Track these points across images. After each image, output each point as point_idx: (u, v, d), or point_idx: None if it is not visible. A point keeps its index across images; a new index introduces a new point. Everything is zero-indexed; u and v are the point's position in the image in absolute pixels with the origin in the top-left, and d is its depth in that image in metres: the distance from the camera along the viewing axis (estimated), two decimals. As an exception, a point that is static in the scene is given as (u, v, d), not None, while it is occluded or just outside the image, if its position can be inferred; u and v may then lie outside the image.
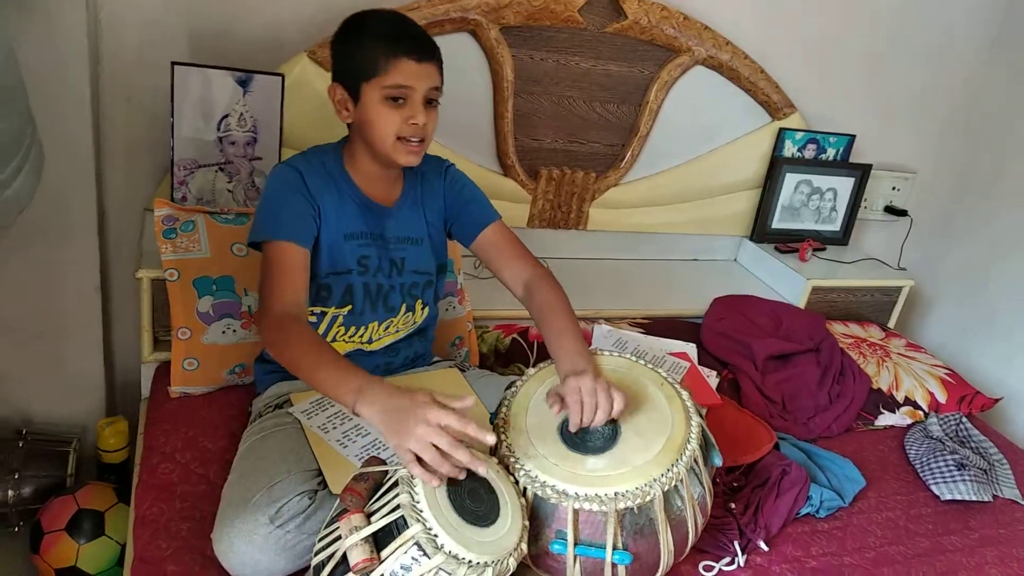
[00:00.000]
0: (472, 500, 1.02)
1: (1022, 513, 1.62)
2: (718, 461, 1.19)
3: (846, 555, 1.41)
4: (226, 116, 1.73)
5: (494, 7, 1.83)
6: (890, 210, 2.63)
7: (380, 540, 0.98)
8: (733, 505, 1.42)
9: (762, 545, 1.37)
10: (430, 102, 1.28)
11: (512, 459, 1.12)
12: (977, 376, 2.34)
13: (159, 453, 1.38)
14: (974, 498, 1.59)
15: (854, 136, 2.42)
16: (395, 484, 1.01)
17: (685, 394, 1.21)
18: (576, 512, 1.07)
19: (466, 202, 1.46)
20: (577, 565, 1.09)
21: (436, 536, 0.95)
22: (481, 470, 1.00)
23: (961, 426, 1.86)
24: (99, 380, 1.91)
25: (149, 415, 1.51)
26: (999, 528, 1.55)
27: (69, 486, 1.78)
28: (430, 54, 1.25)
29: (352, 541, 0.97)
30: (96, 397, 1.92)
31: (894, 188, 2.61)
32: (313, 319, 1.38)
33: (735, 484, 1.49)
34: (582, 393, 1.14)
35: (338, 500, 1.04)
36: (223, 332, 1.52)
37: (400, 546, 0.95)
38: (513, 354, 1.78)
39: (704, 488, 1.17)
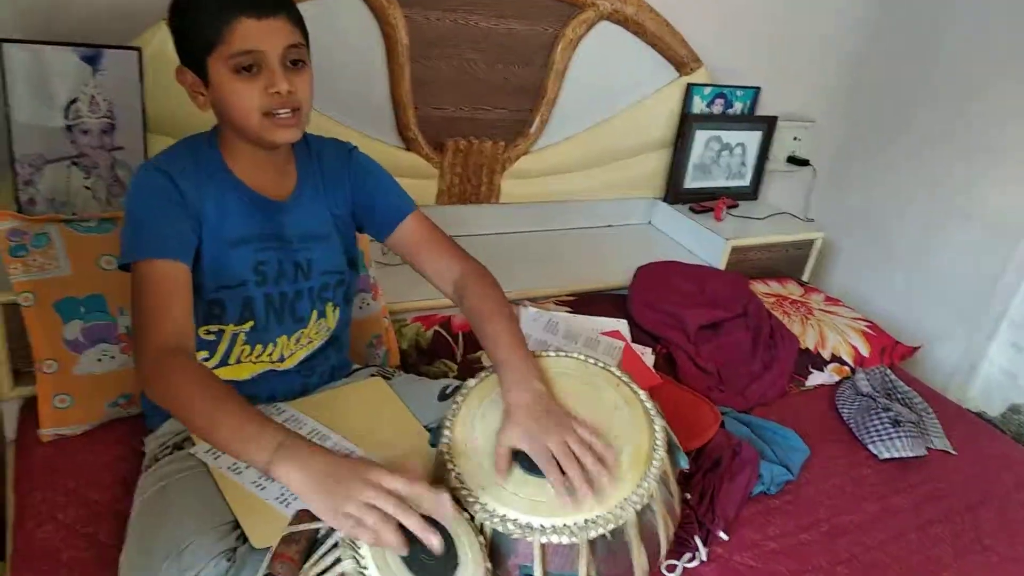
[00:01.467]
0: (426, 551, 0.88)
1: (954, 463, 1.64)
2: (684, 464, 1.11)
3: (802, 532, 1.37)
4: (74, 101, 1.46)
5: None
6: (793, 160, 2.62)
7: (322, 613, 0.83)
8: (688, 496, 1.35)
9: (722, 535, 1.31)
10: (294, 63, 1.07)
11: (464, 491, 0.98)
12: (886, 324, 2.38)
13: (35, 512, 1.16)
14: (911, 454, 1.59)
15: (759, 88, 2.38)
16: (335, 545, 0.86)
17: (643, 394, 1.11)
18: (544, 547, 0.95)
19: (376, 192, 1.28)
20: (546, 601, 0.97)
21: (389, 607, 0.81)
22: (433, 541, 0.85)
23: (887, 378, 1.87)
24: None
25: (18, 464, 1.27)
26: (937, 483, 1.56)
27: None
28: (274, 5, 1.03)
29: (288, 621, 0.82)
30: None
31: (795, 138, 2.60)
32: (211, 338, 1.18)
33: (686, 471, 1.42)
34: (556, 455, 0.97)
35: (265, 569, 0.87)
36: (99, 360, 1.29)
37: (347, 620, 0.81)
38: (437, 348, 1.63)
39: (672, 495, 1.07)
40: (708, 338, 1.82)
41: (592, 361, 1.16)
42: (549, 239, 2.21)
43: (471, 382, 1.13)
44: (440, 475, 1.02)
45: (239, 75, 1.03)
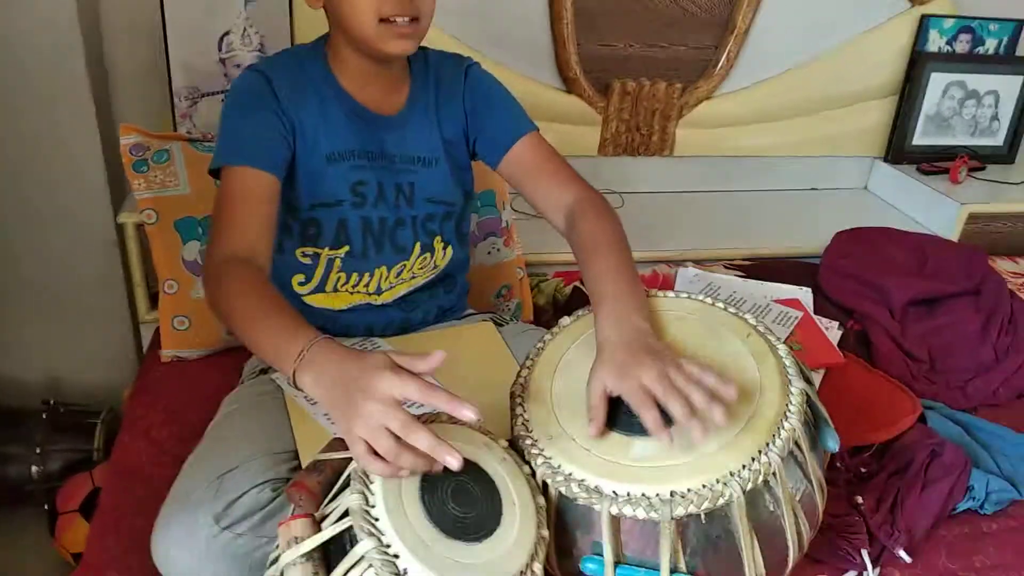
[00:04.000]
0: (458, 502, 0.72)
1: None
2: (832, 445, 0.83)
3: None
4: (227, 34, 1.48)
5: None
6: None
7: (332, 555, 0.70)
8: (861, 500, 1.05)
9: (902, 555, 1.00)
10: None
11: (528, 441, 0.80)
12: None
13: (133, 428, 1.16)
14: None
15: (1022, 21, 1.90)
16: (348, 482, 0.72)
17: (782, 349, 0.85)
18: (615, 519, 0.74)
19: (491, 110, 1.13)
20: (624, 593, 0.76)
21: (396, 557, 0.66)
22: (452, 462, 0.68)
23: None
24: (127, 343, 1.74)
25: (137, 384, 1.30)
26: None
27: (96, 460, 1.63)
28: None
29: (289, 559, 0.69)
30: (126, 362, 1.75)
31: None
32: (307, 261, 1.10)
33: (864, 471, 1.11)
34: (648, 387, 0.76)
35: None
36: (216, 283, 1.27)
37: (348, 570, 0.66)
38: (574, 305, 1.45)
39: (811, 482, 0.80)
40: (920, 317, 1.46)
41: (721, 306, 0.92)
42: (732, 200, 1.93)
43: (565, 320, 0.94)
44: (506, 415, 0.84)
45: None
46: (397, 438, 0.68)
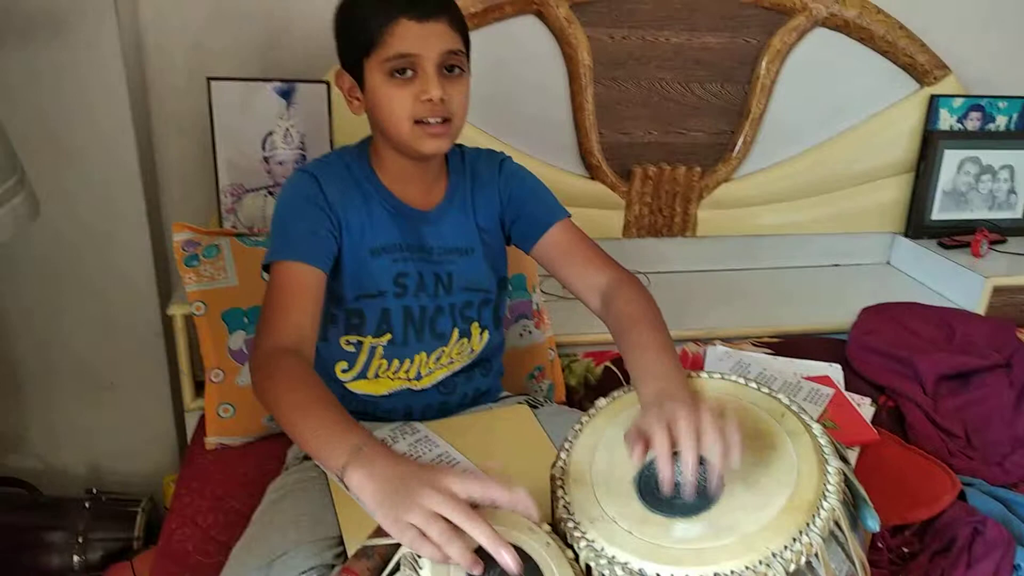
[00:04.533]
0: (505, 582, 0.73)
1: None
2: (873, 524, 0.83)
3: (1082, 653, 0.99)
4: (271, 134, 1.57)
5: None
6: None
7: (383, 643, 0.71)
8: (905, 580, 1.04)
9: (952, 637, 0.98)
10: (450, 69, 1.02)
11: (571, 524, 0.81)
12: None
13: (180, 515, 1.19)
14: None
15: (1031, 98, 1.96)
16: (398, 566, 0.74)
17: (817, 428, 0.87)
18: (672, 605, 0.74)
19: (526, 199, 1.19)
20: None
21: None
22: (506, 558, 0.70)
23: None
24: (169, 431, 1.78)
25: (183, 471, 1.33)
26: None
27: (137, 549, 1.64)
28: (436, 8, 1.00)
29: (341, 646, 0.71)
30: (167, 450, 1.79)
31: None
32: (351, 349, 1.14)
33: (906, 551, 1.10)
34: (675, 428, 0.81)
35: (332, 584, 0.78)
36: (259, 372, 1.32)
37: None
38: (607, 386, 1.47)
39: (854, 563, 0.81)
40: (952, 392, 1.46)
41: (754, 385, 0.94)
42: (754, 278, 1.95)
43: (602, 401, 0.97)
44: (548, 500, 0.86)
45: (393, 79, 1.01)
46: (448, 527, 0.70)
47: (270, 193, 1.59)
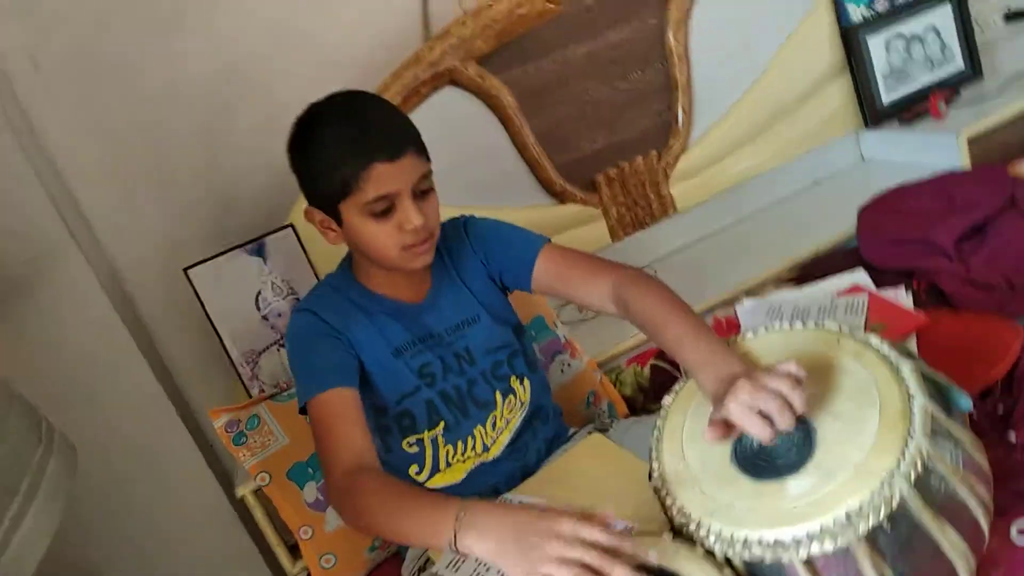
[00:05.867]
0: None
1: None
2: (965, 404, 0.84)
3: None
4: (259, 293, 1.60)
5: (460, 46, 1.63)
6: (1013, 16, 2.14)
7: None
8: (1013, 437, 1.04)
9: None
10: (423, 193, 1.07)
11: (692, 526, 0.82)
12: None
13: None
14: None
15: (921, -41, 2.01)
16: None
17: (875, 340, 0.88)
18: (808, 563, 0.75)
19: (502, 247, 1.22)
20: (847, 627, 0.77)
21: None
22: None
23: None
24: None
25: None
26: None
27: None
28: (403, 143, 1.04)
29: None
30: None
31: (1004, -10, 2.14)
32: (414, 450, 1.16)
33: (1001, 409, 1.10)
34: (749, 401, 0.82)
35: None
36: (343, 512, 1.33)
37: None
38: (658, 382, 1.48)
39: (964, 446, 0.82)
40: (975, 248, 1.47)
41: (799, 326, 0.96)
42: (748, 226, 1.98)
43: (667, 400, 0.98)
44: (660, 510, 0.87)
45: (375, 218, 1.05)
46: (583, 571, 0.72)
47: (280, 346, 1.62)
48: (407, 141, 1.05)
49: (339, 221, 1.08)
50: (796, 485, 0.79)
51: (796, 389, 0.81)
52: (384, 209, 1.04)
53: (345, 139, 1.03)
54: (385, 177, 1.02)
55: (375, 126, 1.04)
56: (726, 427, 0.85)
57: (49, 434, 1.16)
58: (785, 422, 0.80)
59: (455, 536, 0.82)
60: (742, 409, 0.82)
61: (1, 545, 0.89)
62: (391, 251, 1.07)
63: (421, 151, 1.07)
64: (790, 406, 0.80)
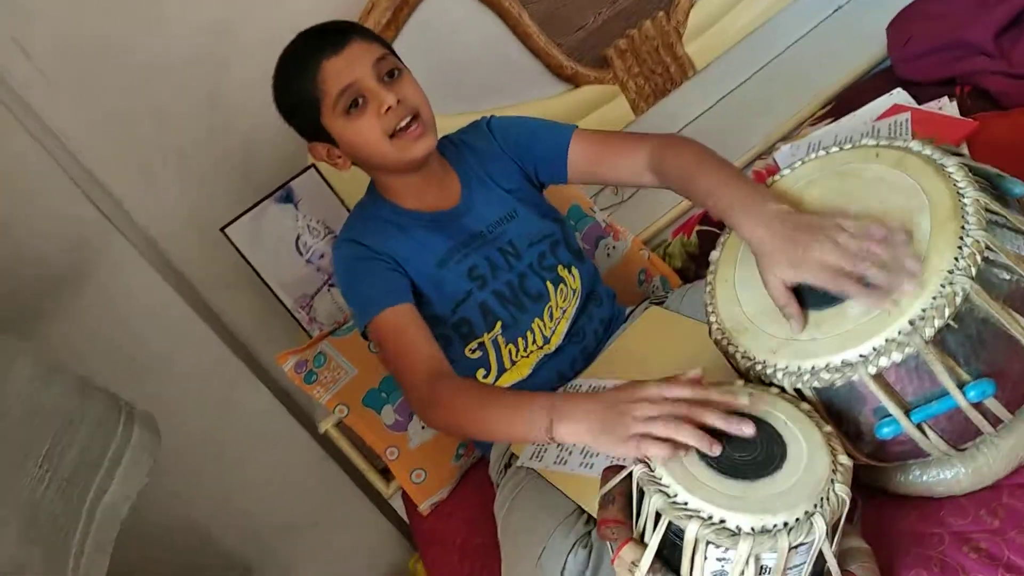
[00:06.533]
0: (739, 447, 0.75)
1: None
2: (1019, 190, 0.81)
3: None
4: (298, 237, 1.62)
5: None
6: None
7: (670, 558, 0.74)
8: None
9: None
10: (390, 75, 1.06)
11: (758, 367, 0.82)
12: None
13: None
14: None
15: None
16: (640, 492, 0.76)
17: (915, 144, 0.84)
18: (878, 377, 0.74)
19: (530, 141, 1.21)
20: (931, 433, 0.76)
21: (723, 522, 0.69)
22: (741, 425, 0.73)
23: None
24: (387, 528, 1.85)
25: (421, 547, 1.40)
26: None
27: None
28: (343, 34, 1.05)
29: (641, 582, 0.74)
30: (395, 544, 1.87)
31: None
32: (477, 355, 1.18)
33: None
34: (832, 264, 0.76)
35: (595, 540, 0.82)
36: (422, 428, 1.38)
37: (692, 558, 0.70)
38: (706, 246, 1.45)
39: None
40: (1015, 38, 1.39)
41: (835, 149, 0.92)
42: (773, 70, 1.87)
43: (714, 254, 0.97)
44: (726, 364, 0.87)
45: (350, 116, 1.05)
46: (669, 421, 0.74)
47: (331, 286, 1.65)
48: (347, 31, 1.06)
49: (334, 142, 1.09)
50: (855, 307, 0.77)
51: (836, 226, 0.78)
52: (353, 101, 1.04)
53: (294, 58, 1.07)
54: (337, 70, 1.03)
55: (312, 35, 1.07)
56: (791, 288, 0.80)
57: (128, 410, 1.22)
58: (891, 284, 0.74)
59: (551, 426, 0.84)
60: (818, 273, 0.77)
61: (90, 508, 0.96)
62: (383, 145, 1.06)
63: (369, 36, 1.08)
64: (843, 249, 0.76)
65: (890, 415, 0.76)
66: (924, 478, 0.84)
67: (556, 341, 1.20)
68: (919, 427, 0.75)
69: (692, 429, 0.73)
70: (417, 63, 1.20)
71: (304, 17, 1.13)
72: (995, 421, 0.76)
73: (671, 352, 1.13)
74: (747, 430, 0.74)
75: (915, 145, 0.84)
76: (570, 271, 1.22)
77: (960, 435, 0.77)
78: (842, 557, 0.76)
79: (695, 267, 1.50)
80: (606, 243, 1.48)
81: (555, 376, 1.20)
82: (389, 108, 1.03)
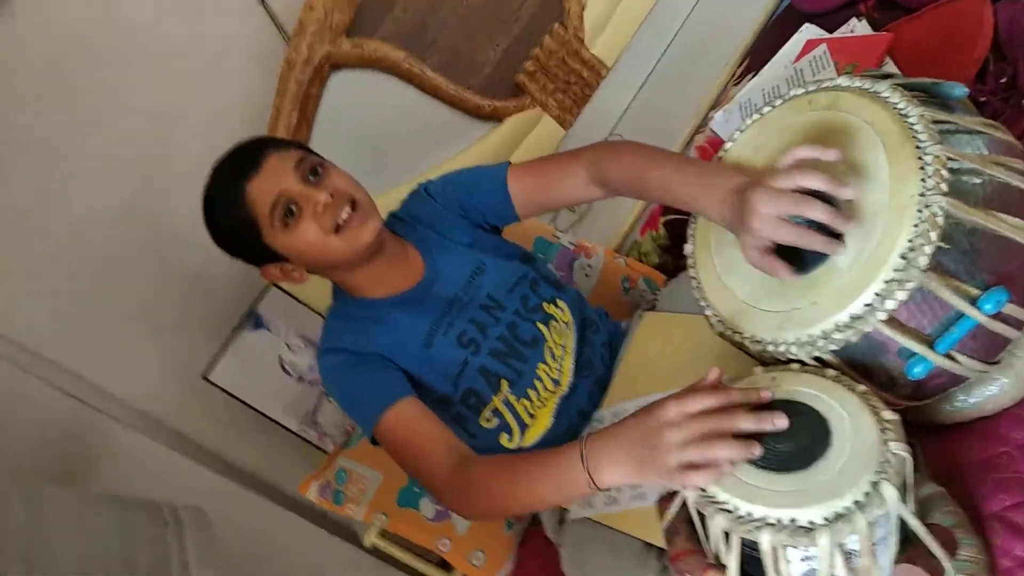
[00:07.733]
0: (783, 440, 0.72)
1: None
2: (958, 91, 0.79)
3: None
4: (281, 358, 1.59)
5: (321, 30, 1.50)
6: None
7: (755, 573, 0.70)
8: (1030, 96, 0.99)
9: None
10: (314, 173, 1.03)
11: (770, 348, 0.80)
12: None
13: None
14: None
15: None
16: (701, 516, 0.73)
17: (843, 80, 0.83)
18: (891, 319, 0.72)
19: (469, 191, 1.19)
20: (961, 358, 0.74)
21: (794, 521, 0.66)
22: (774, 420, 0.71)
23: None
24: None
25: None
26: None
27: None
28: (257, 151, 1.03)
29: (728, 609, 0.70)
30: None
31: None
32: (495, 422, 1.14)
33: (1003, 80, 1.05)
34: (776, 214, 0.75)
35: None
36: (465, 509, 1.33)
37: (775, 565, 0.67)
38: (676, 236, 1.45)
39: (979, 128, 0.77)
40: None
41: (767, 109, 0.91)
42: (681, 44, 1.88)
43: (688, 248, 0.94)
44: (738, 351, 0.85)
45: (289, 226, 1.02)
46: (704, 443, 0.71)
47: (328, 395, 1.62)
48: (259, 147, 1.04)
49: (284, 258, 1.06)
50: (842, 260, 0.75)
51: (804, 173, 0.76)
52: (287, 211, 1.01)
53: (217, 192, 1.05)
54: (262, 188, 1.01)
55: (226, 164, 1.05)
56: (767, 250, 0.78)
57: (172, 512, 1.16)
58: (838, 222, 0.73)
59: (591, 479, 0.80)
60: (772, 228, 0.76)
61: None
62: (331, 243, 1.02)
63: (279, 145, 1.06)
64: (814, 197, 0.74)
65: (916, 353, 0.73)
66: (971, 400, 0.82)
67: (567, 380, 1.17)
68: (948, 356, 0.73)
69: (726, 442, 0.70)
70: (340, 150, 1.18)
71: (221, 141, 1.10)
72: (1018, 324, 0.74)
73: (680, 352, 1.10)
74: (780, 423, 0.71)
75: (843, 80, 0.82)
76: (556, 304, 1.19)
77: (989, 349, 0.75)
78: (921, 509, 0.73)
79: (672, 259, 1.48)
80: (580, 264, 1.45)
81: (577, 418, 1.17)
82: (325, 205, 1.01)
